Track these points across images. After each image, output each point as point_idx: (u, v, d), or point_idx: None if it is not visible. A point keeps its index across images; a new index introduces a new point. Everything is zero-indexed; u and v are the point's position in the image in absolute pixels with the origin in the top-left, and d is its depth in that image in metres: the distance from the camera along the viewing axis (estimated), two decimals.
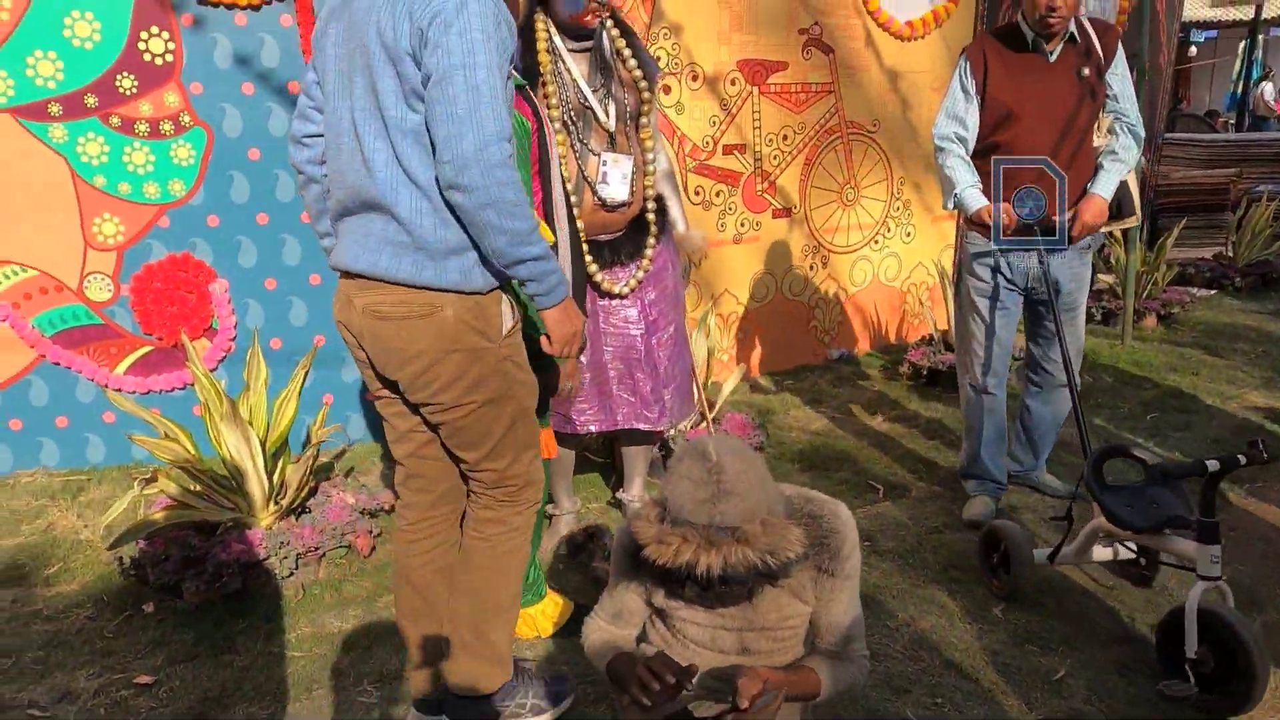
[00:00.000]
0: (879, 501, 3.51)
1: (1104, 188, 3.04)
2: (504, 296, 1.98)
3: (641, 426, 3.00)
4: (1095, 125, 3.07)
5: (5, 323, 3.65)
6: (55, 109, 3.53)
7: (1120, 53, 3.06)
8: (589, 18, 2.66)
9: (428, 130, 1.80)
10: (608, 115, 2.74)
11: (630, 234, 2.86)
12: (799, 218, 4.95)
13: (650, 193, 2.88)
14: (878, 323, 5.43)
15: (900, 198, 5.30)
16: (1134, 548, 2.70)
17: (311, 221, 2.20)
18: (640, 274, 2.89)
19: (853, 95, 4.95)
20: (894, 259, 5.39)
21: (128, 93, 3.57)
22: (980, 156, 3.08)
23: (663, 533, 1.59)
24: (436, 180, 1.82)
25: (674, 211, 3.02)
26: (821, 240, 5.07)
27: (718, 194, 4.64)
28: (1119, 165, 3.05)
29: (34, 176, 3.55)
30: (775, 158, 4.78)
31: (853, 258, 5.22)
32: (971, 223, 3.07)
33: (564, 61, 2.73)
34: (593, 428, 2.94)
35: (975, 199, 3.01)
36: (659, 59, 4.33)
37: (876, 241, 5.29)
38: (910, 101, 5.16)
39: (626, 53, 2.78)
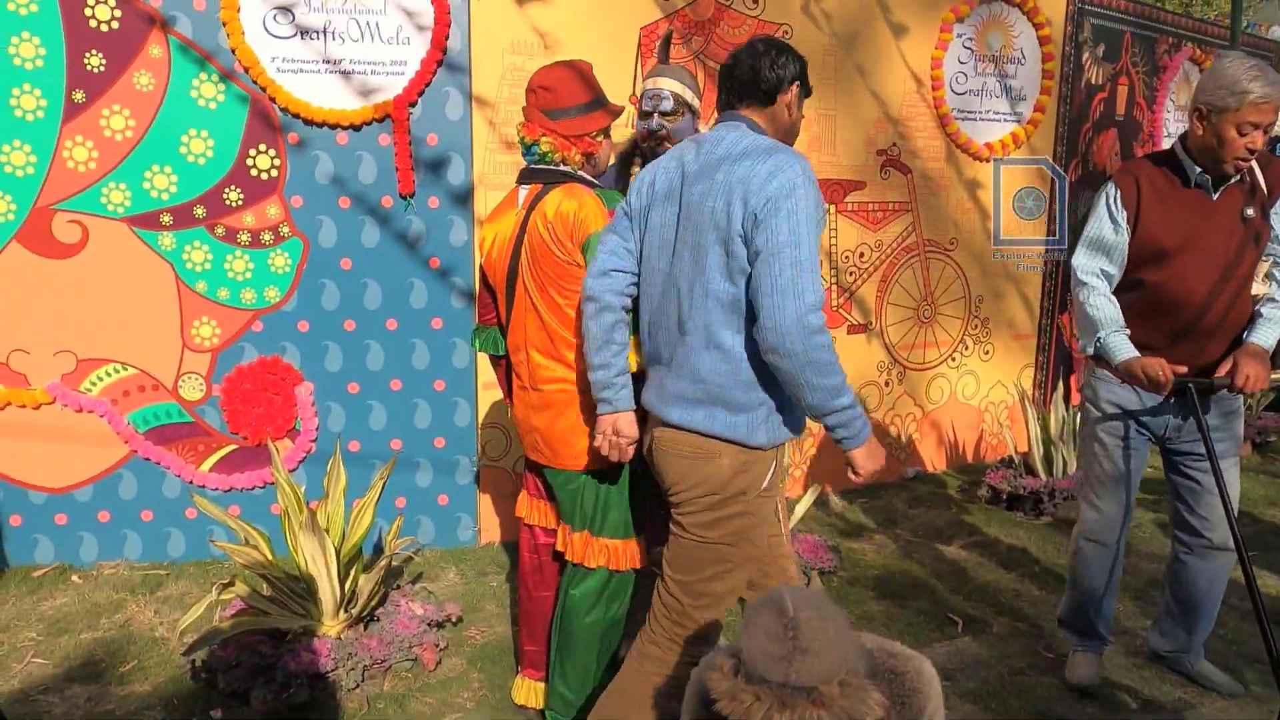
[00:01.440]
0: (958, 636, 3.37)
1: (1265, 337, 2.69)
2: (773, 461, 2.17)
3: None
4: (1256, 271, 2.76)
5: (103, 418, 3.80)
6: (166, 219, 3.74)
7: None
8: (645, 144, 2.79)
9: (747, 301, 2.02)
10: None
11: None
12: (875, 334, 4.92)
13: None
14: (955, 441, 5.31)
15: (978, 315, 5.24)
16: None
17: (593, 349, 2.28)
18: None
19: (930, 214, 4.97)
20: (972, 377, 5.30)
21: (234, 205, 3.77)
22: (1123, 292, 2.78)
23: (736, 688, 1.54)
24: (743, 345, 2.05)
25: None
26: (898, 356, 5.02)
27: None
28: None
29: (142, 281, 3.75)
30: (852, 274, 4.80)
31: (930, 375, 5.15)
32: (1102, 363, 2.80)
33: None
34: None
35: (1124, 348, 2.69)
36: None
37: (954, 359, 5.22)
38: (988, 220, 5.15)
39: None
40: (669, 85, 2.74)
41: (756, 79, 2.15)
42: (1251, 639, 3.33)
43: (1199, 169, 2.64)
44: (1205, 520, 2.84)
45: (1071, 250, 5.44)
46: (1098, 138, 5.55)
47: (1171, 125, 6.03)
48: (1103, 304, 2.73)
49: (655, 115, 2.74)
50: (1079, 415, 3.06)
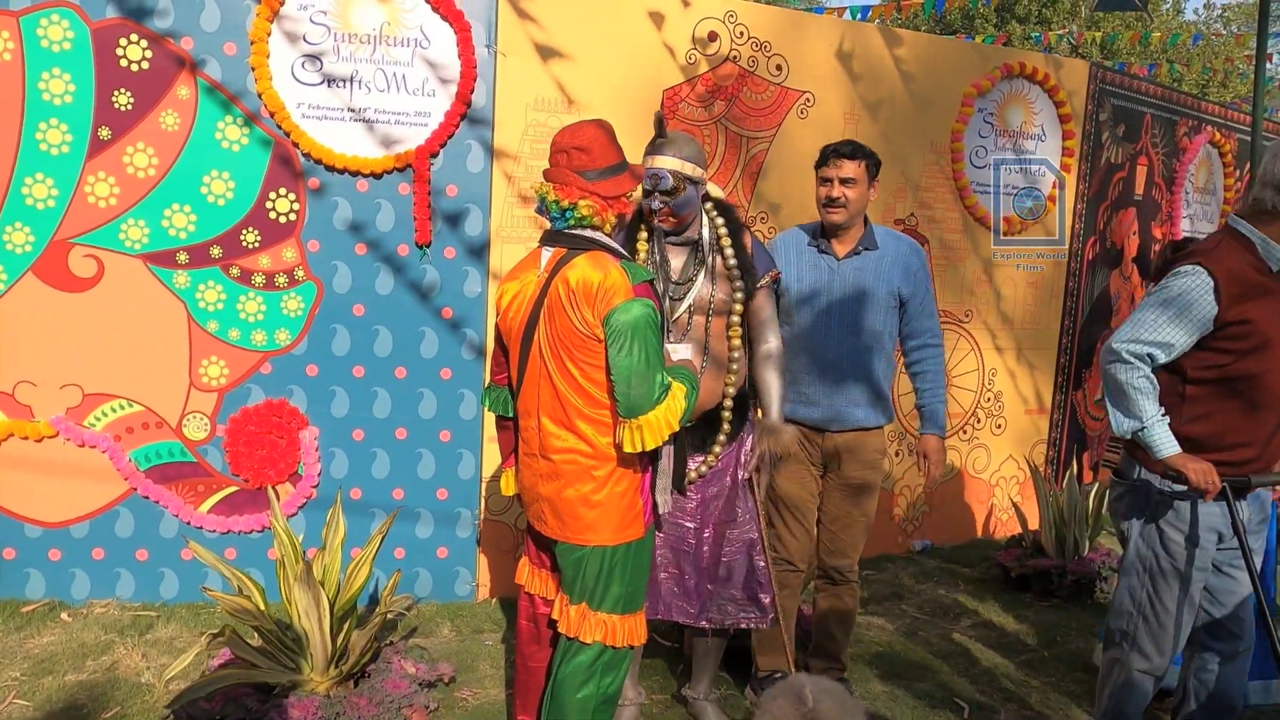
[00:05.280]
0: None
1: None
2: None
3: (679, 619, 2.89)
4: None
5: (105, 454, 3.77)
6: (182, 257, 3.74)
7: None
8: (654, 220, 2.74)
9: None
10: (681, 306, 2.76)
11: (700, 427, 2.81)
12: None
13: (730, 391, 2.83)
14: (964, 516, 5.23)
15: (991, 389, 5.19)
16: None
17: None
18: (704, 468, 2.83)
19: (946, 285, 4.95)
20: (983, 450, 5.23)
21: (250, 246, 3.78)
22: (1216, 386, 2.53)
23: None
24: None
25: (768, 399, 2.92)
26: (909, 427, 4.96)
27: None
28: None
29: (153, 319, 3.74)
30: None
31: None
32: (1143, 459, 2.59)
33: (659, 253, 2.78)
34: None
35: (1171, 442, 2.48)
36: None
37: (965, 432, 5.15)
38: (1004, 294, 5.13)
39: (729, 251, 2.81)
40: (666, 164, 2.68)
41: None
42: None
43: None
44: (1241, 622, 2.69)
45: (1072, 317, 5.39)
46: (1116, 216, 5.55)
47: (1191, 207, 6.03)
48: (1147, 386, 2.51)
49: (656, 195, 2.71)
50: (1132, 539, 2.70)
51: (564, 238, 2.42)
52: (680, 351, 2.74)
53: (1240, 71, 14.01)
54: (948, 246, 4.93)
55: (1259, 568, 2.71)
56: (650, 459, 2.48)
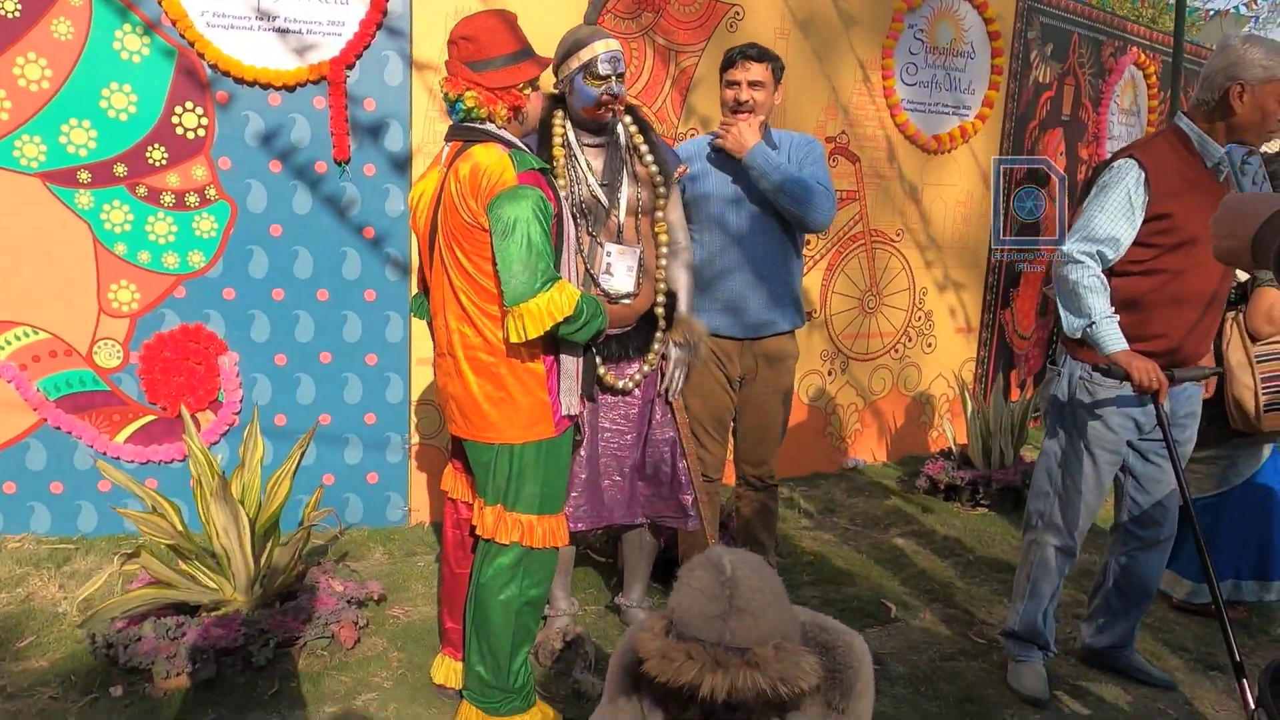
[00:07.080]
0: (891, 621, 3.34)
1: None
2: None
3: (620, 521, 2.91)
4: None
5: (10, 384, 3.61)
6: (84, 176, 3.56)
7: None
8: (602, 111, 2.65)
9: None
10: (616, 208, 2.72)
11: (639, 329, 2.79)
12: (819, 322, 4.89)
13: (661, 287, 2.81)
14: (896, 433, 5.31)
15: (922, 308, 5.24)
16: None
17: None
18: (646, 368, 2.81)
19: (878, 204, 4.96)
20: (914, 369, 5.30)
21: (157, 164, 3.60)
22: (1140, 280, 2.59)
23: (667, 647, 1.47)
24: None
25: (682, 296, 2.90)
26: (841, 346, 5.00)
27: None
28: None
29: (56, 241, 3.56)
30: None
31: (872, 365, 5.14)
32: (1082, 350, 2.65)
33: (578, 156, 2.72)
34: (580, 526, 2.80)
35: (1118, 338, 2.50)
36: None
37: (897, 350, 5.21)
38: (934, 213, 5.16)
39: (644, 149, 2.77)
40: (618, 45, 2.65)
41: None
42: (1177, 626, 3.36)
43: (1221, 152, 2.53)
44: (1165, 510, 2.80)
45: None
46: (1043, 136, 5.59)
47: (1116, 128, 6.11)
48: (1097, 285, 2.52)
49: (614, 78, 2.63)
50: (1051, 423, 2.81)
51: (461, 130, 2.36)
52: (628, 256, 2.70)
53: (1168, 3, 14.16)
54: (878, 165, 4.92)
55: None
56: (555, 358, 2.43)
